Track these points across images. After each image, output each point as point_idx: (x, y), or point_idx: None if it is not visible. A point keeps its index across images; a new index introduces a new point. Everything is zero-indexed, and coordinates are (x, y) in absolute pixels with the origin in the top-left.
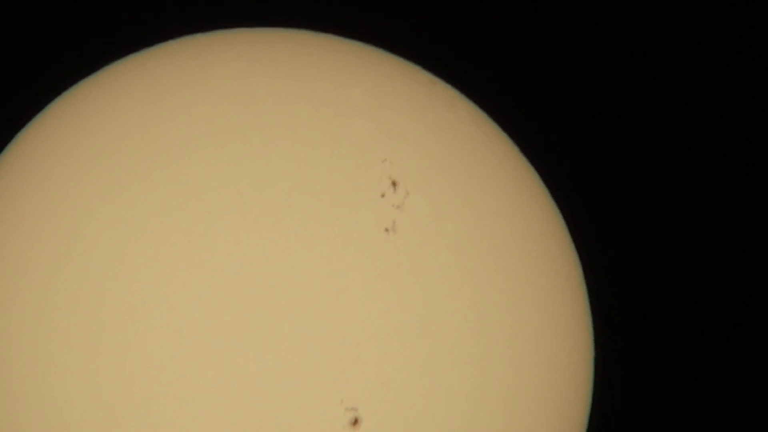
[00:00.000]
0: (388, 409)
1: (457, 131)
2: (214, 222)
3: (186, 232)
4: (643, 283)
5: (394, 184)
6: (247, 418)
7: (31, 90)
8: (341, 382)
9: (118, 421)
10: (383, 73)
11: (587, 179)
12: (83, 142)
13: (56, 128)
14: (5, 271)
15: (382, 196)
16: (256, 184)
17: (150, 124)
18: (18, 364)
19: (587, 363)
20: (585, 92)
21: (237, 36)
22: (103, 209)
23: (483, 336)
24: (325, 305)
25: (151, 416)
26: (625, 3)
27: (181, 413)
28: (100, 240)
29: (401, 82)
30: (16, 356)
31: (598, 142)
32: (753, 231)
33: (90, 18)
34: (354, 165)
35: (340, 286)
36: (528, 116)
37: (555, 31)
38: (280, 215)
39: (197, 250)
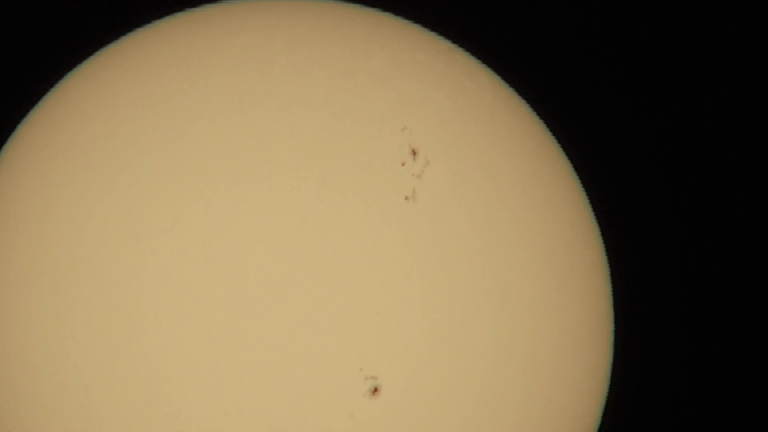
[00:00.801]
0: (407, 378)
1: (477, 99)
2: (233, 190)
3: (204, 200)
4: (664, 251)
5: (414, 152)
6: (267, 387)
7: (51, 58)
8: (361, 350)
9: (138, 391)
10: (403, 42)
11: (608, 147)
12: (102, 111)
13: (76, 97)
14: (35, 227)
15: (402, 164)
16: (276, 152)
17: (169, 93)
18: (34, 338)
19: (608, 330)
20: (608, 60)
21: (256, 5)
22: (123, 177)
23: (503, 304)
24: (345, 274)
25: (173, 385)
26: None
27: (202, 383)
28: (119, 209)
29: (421, 50)
30: (34, 328)
31: (620, 109)
32: None
33: None
34: (374, 134)
35: (359, 254)
36: (548, 84)
37: None
38: (300, 184)
39: (216, 218)
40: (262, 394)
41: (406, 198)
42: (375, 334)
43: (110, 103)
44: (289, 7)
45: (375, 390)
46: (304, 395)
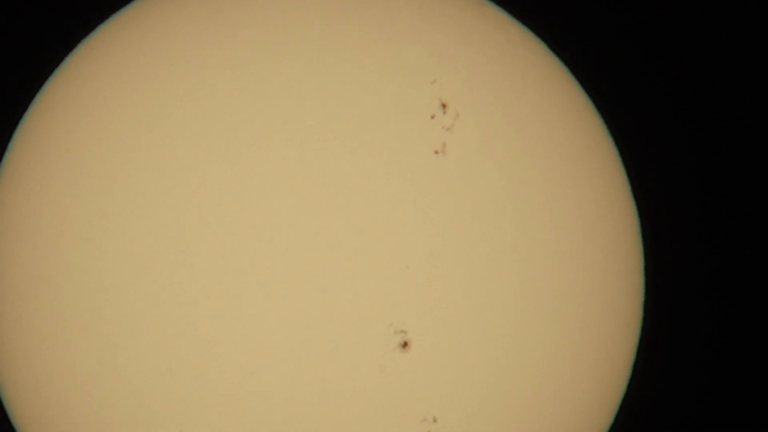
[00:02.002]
0: (437, 332)
1: (507, 53)
2: (263, 145)
3: (233, 154)
4: (693, 204)
5: (443, 105)
6: (299, 342)
7: (75, 16)
8: (390, 305)
9: (170, 348)
10: None
11: (638, 100)
12: (129, 67)
13: (103, 54)
14: (64, 183)
15: (432, 117)
16: (306, 106)
17: (199, 45)
18: (75, 278)
19: (638, 286)
20: (639, 11)
21: None
22: (156, 128)
23: (532, 258)
24: (375, 228)
25: (203, 344)
26: None
27: (233, 338)
28: (150, 165)
29: (450, 4)
30: (74, 267)
31: (651, 63)
32: None
33: None
34: (404, 87)
35: (389, 208)
36: (578, 37)
37: None
38: (330, 138)
39: (246, 173)
40: (294, 350)
41: (436, 152)
42: (405, 289)
43: (137, 59)
44: None
45: (405, 344)
46: (335, 350)
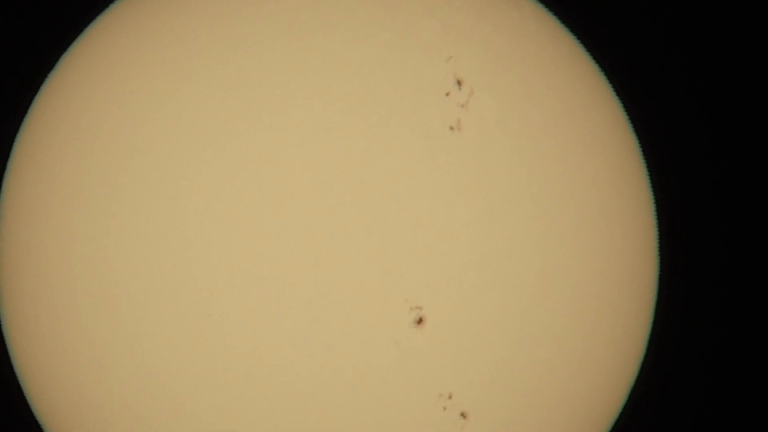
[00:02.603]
0: (451, 309)
1: (522, 30)
2: (280, 120)
3: (250, 129)
4: (707, 179)
5: (459, 82)
6: (315, 318)
7: None
8: (406, 281)
9: (189, 317)
10: None
11: (654, 76)
12: (151, 36)
13: (125, 23)
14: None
15: (447, 94)
16: (322, 83)
17: (215, 21)
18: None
19: (652, 260)
20: None
21: None
22: (175, 101)
23: (547, 234)
24: (390, 203)
25: (220, 321)
26: None
27: (249, 315)
28: (172, 129)
29: None
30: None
31: (668, 39)
32: None
33: None
34: (419, 63)
35: (404, 185)
36: (593, 13)
37: None
38: (345, 114)
39: (262, 146)
40: (310, 326)
41: (451, 128)
42: (420, 265)
43: (162, 25)
44: None
45: (420, 320)
46: (351, 325)
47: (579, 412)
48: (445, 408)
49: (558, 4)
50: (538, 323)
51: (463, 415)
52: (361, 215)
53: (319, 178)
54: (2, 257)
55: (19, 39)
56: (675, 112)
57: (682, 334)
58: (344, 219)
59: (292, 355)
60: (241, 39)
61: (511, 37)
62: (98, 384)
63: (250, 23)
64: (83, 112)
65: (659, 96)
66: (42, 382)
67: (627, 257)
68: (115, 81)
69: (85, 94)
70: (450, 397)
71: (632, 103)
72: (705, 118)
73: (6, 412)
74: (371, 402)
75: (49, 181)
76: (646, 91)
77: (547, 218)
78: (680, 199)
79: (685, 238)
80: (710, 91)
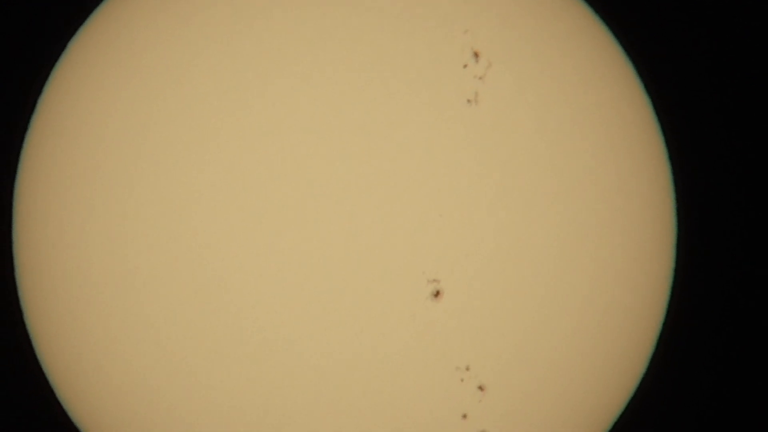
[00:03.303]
0: (469, 282)
1: (539, 2)
2: (298, 90)
3: (268, 101)
4: (725, 147)
5: (476, 54)
6: (333, 290)
7: None
8: (423, 254)
9: (207, 287)
10: None
11: (670, 46)
12: (166, 9)
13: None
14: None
15: (465, 66)
16: (339, 54)
17: None
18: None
19: (670, 230)
20: None
21: None
22: (193, 73)
23: (565, 206)
24: (407, 176)
25: (239, 289)
26: None
27: (270, 285)
28: (194, 100)
29: None
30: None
31: (683, 11)
32: None
33: None
34: (436, 36)
35: (422, 157)
36: None
37: None
38: (363, 87)
39: (280, 118)
40: (328, 299)
41: (469, 100)
42: (438, 238)
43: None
44: None
45: (437, 293)
46: (369, 299)
47: (597, 385)
48: (462, 380)
49: None
50: (556, 295)
51: (481, 388)
52: (378, 189)
53: (337, 151)
54: (20, 233)
55: (33, 20)
56: (691, 81)
57: (701, 305)
58: (361, 193)
59: (311, 328)
60: (262, 10)
61: (527, 9)
62: (115, 359)
63: None
64: (99, 88)
65: (676, 66)
66: (60, 361)
67: (645, 230)
68: (129, 58)
69: (100, 72)
70: (467, 369)
71: (649, 73)
72: (721, 86)
73: (23, 387)
74: (389, 374)
75: (66, 156)
76: (662, 62)
77: (564, 190)
78: (698, 170)
79: (703, 210)
80: (724, 57)
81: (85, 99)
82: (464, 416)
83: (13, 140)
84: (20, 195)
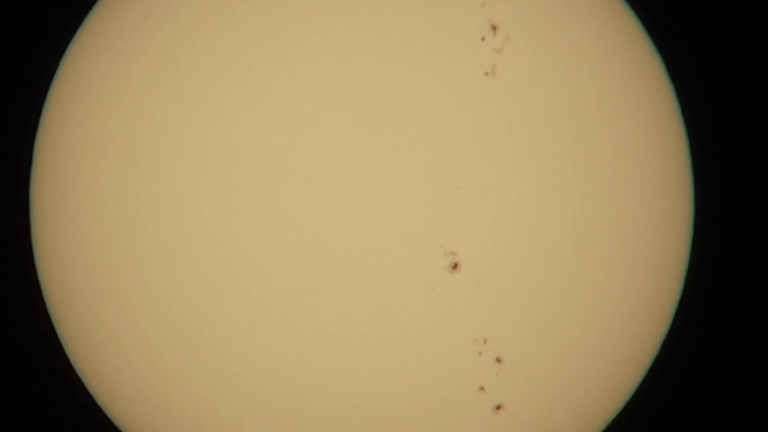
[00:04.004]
0: (487, 254)
1: None
2: (315, 67)
3: (288, 76)
4: (743, 118)
5: (494, 27)
6: (351, 262)
7: None
8: (441, 226)
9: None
10: None
11: (689, 18)
12: None
13: None
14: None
15: (482, 39)
16: (357, 28)
17: None
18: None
19: (687, 206)
20: None
21: None
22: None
23: (582, 179)
24: (425, 149)
25: (257, 264)
26: None
27: (288, 261)
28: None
29: None
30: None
31: None
32: None
33: None
34: (454, 9)
35: (439, 130)
36: None
37: None
38: (380, 61)
39: (299, 96)
40: (346, 271)
41: (486, 73)
42: (455, 211)
43: None
44: None
45: (455, 265)
46: (387, 270)
47: (615, 357)
48: (480, 353)
49: None
50: (574, 268)
51: (498, 360)
52: (395, 161)
53: (354, 124)
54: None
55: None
56: (710, 55)
57: (719, 280)
58: (379, 166)
59: (330, 302)
60: None
61: None
62: (132, 332)
63: None
64: (117, 56)
65: (696, 39)
66: (78, 333)
67: (664, 202)
68: (143, 33)
69: (120, 40)
70: (485, 341)
71: (668, 46)
72: (740, 62)
73: (41, 358)
74: (407, 347)
75: (82, 129)
76: (682, 33)
77: (582, 163)
78: (716, 143)
79: (722, 182)
80: (743, 35)
81: (105, 63)
82: (481, 388)
83: (30, 109)
84: (37, 167)
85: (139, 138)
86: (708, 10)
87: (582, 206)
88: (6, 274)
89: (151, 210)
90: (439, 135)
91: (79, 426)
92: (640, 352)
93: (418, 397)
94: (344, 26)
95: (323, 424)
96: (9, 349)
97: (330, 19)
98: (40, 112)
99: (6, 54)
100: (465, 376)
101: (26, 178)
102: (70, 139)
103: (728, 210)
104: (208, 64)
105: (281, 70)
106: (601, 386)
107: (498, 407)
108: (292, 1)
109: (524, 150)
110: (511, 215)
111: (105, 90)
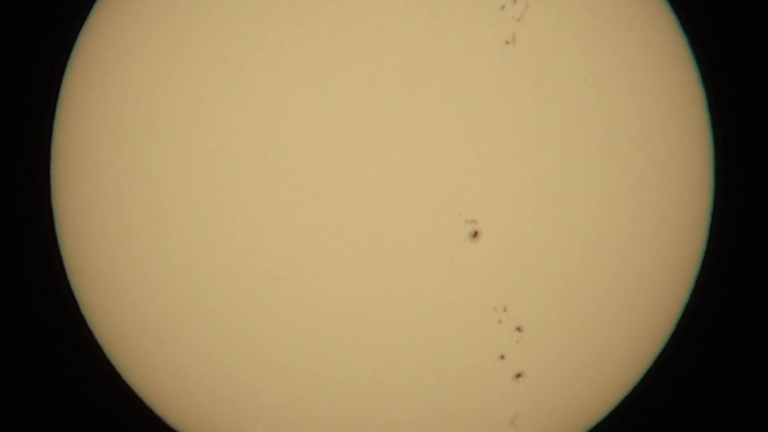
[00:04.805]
0: (506, 223)
1: None
2: (336, 40)
3: (308, 52)
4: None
5: None
6: (371, 230)
7: None
8: (461, 194)
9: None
10: None
11: None
12: None
13: None
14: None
15: (502, 8)
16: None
17: None
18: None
19: (707, 176)
20: None
21: None
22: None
23: (603, 148)
24: (445, 118)
25: (276, 240)
26: None
27: (308, 227)
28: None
29: None
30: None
31: None
32: None
33: None
34: None
35: (459, 99)
36: None
37: None
38: (400, 30)
39: (319, 69)
40: (366, 241)
41: (507, 42)
42: (475, 179)
43: None
44: None
45: (475, 234)
46: (406, 239)
47: (636, 325)
48: (500, 321)
49: None
50: (594, 237)
51: (519, 329)
52: (416, 130)
53: (374, 95)
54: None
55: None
56: (731, 23)
57: (741, 251)
58: (399, 134)
59: (350, 271)
60: None
61: None
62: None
63: None
64: (138, 44)
65: (719, 13)
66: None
67: (685, 173)
68: (176, 30)
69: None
70: (505, 310)
71: (688, 15)
72: (763, 34)
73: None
74: (427, 315)
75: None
76: (706, 7)
77: (603, 132)
78: (739, 115)
79: (743, 157)
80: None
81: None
82: (502, 357)
83: (50, 82)
84: (56, 150)
85: (162, 117)
86: None
87: (604, 174)
88: (32, 262)
89: (170, 192)
90: (459, 104)
91: (108, 404)
92: (661, 321)
93: (439, 367)
94: None
95: (343, 394)
96: (36, 333)
97: None
98: (56, 102)
99: (18, 47)
100: (485, 344)
101: (46, 164)
102: (89, 126)
103: (748, 180)
104: (232, 53)
105: (303, 35)
106: (622, 355)
107: (518, 375)
108: None
109: (544, 118)
110: (530, 184)
111: (126, 73)
